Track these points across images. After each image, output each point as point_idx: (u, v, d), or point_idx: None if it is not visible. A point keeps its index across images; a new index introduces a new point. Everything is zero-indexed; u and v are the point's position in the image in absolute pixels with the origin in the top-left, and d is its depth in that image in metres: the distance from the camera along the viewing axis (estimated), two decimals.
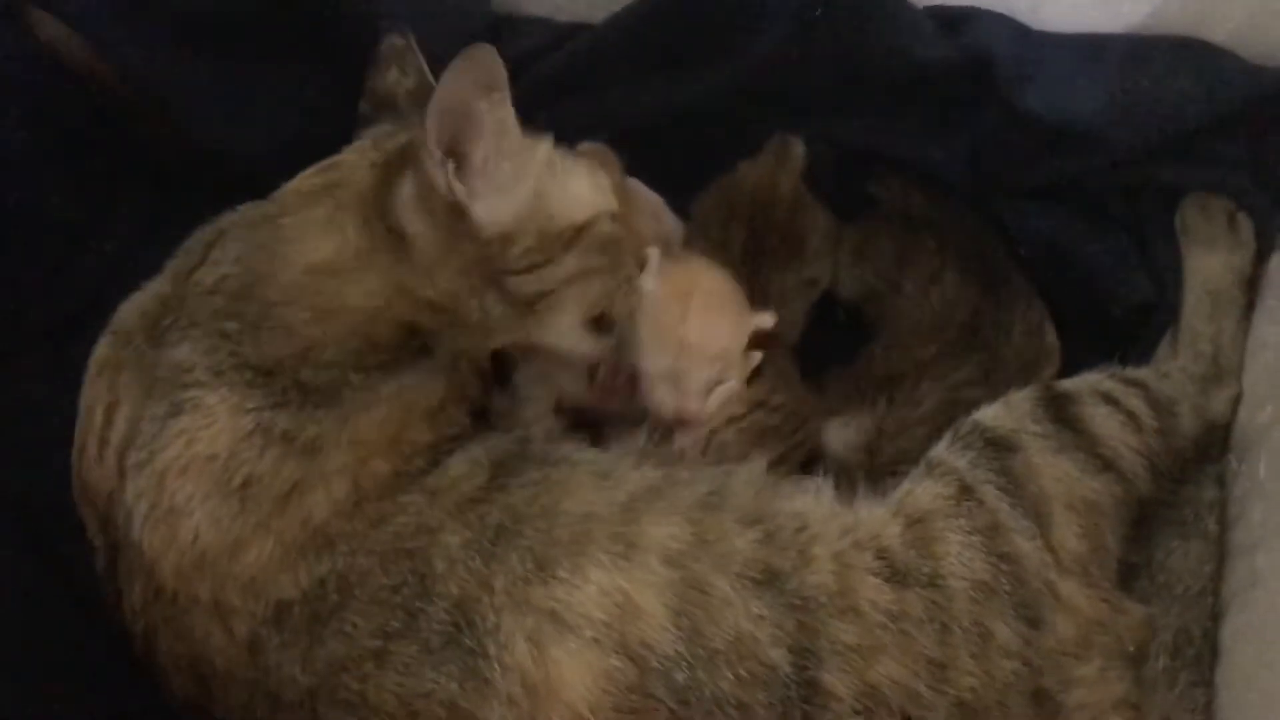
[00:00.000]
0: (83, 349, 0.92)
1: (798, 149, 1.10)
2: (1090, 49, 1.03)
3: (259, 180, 1.01)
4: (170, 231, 1.01)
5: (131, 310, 0.84)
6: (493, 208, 0.82)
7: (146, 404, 0.77)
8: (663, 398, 0.95)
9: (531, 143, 0.85)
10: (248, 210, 0.86)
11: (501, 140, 0.81)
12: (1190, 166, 1.02)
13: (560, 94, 1.09)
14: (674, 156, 1.14)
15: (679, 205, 1.13)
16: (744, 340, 0.98)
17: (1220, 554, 0.90)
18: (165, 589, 0.74)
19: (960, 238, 1.07)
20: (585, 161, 0.90)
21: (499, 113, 0.80)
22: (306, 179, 0.86)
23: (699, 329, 0.95)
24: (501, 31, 1.11)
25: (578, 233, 0.86)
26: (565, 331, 0.89)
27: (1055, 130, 1.01)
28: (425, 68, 0.94)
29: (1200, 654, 0.86)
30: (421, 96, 0.92)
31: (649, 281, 0.96)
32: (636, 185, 1.11)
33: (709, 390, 0.95)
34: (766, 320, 0.99)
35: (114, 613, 0.78)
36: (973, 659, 0.75)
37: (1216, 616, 0.88)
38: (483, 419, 0.86)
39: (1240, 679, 0.83)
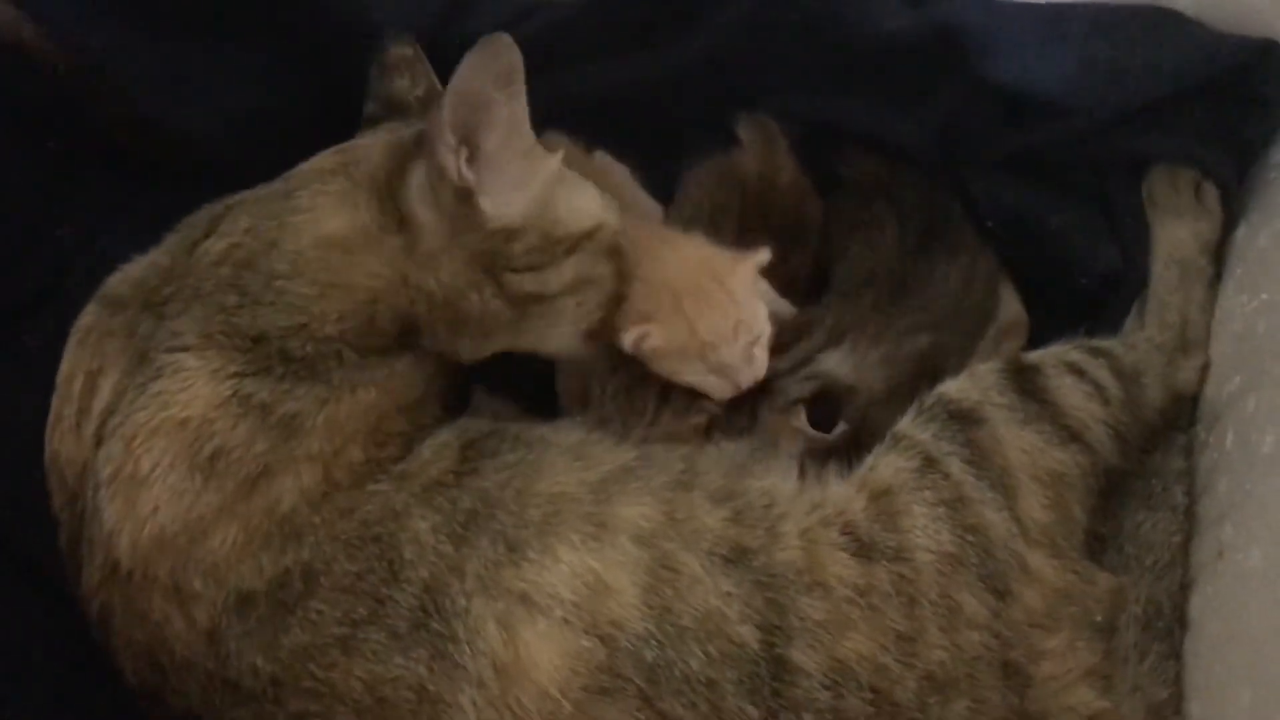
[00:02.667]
0: (39, 336, 0.91)
1: (775, 128, 1.10)
2: (1056, 19, 1.02)
3: (218, 161, 1.01)
4: (128, 216, 1.00)
5: (124, 279, 0.83)
6: (499, 200, 0.82)
7: (134, 373, 0.76)
8: (721, 389, 0.93)
9: (543, 152, 0.86)
10: (258, 189, 0.86)
11: (513, 136, 0.82)
12: (1157, 136, 1.01)
13: (531, 68, 1.08)
14: (641, 132, 1.13)
15: (647, 180, 1.12)
16: (752, 289, 0.94)
17: (1188, 525, 0.90)
18: (122, 566, 0.74)
19: (913, 200, 1.06)
20: (590, 183, 0.90)
21: (514, 106, 0.81)
22: (322, 158, 0.87)
23: (708, 327, 0.91)
24: (463, 8, 1.09)
25: (580, 240, 0.86)
26: (562, 341, 0.90)
27: (1022, 101, 1.01)
28: (434, 77, 0.94)
29: (1170, 626, 0.86)
30: (432, 104, 0.91)
31: (650, 339, 0.92)
32: (604, 159, 1.10)
33: (751, 354, 0.93)
34: (763, 256, 0.95)
35: (72, 591, 0.78)
36: (941, 632, 0.75)
37: (1185, 588, 0.88)
38: (455, 409, 0.87)
39: (1208, 651, 0.83)
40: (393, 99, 0.95)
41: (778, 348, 0.95)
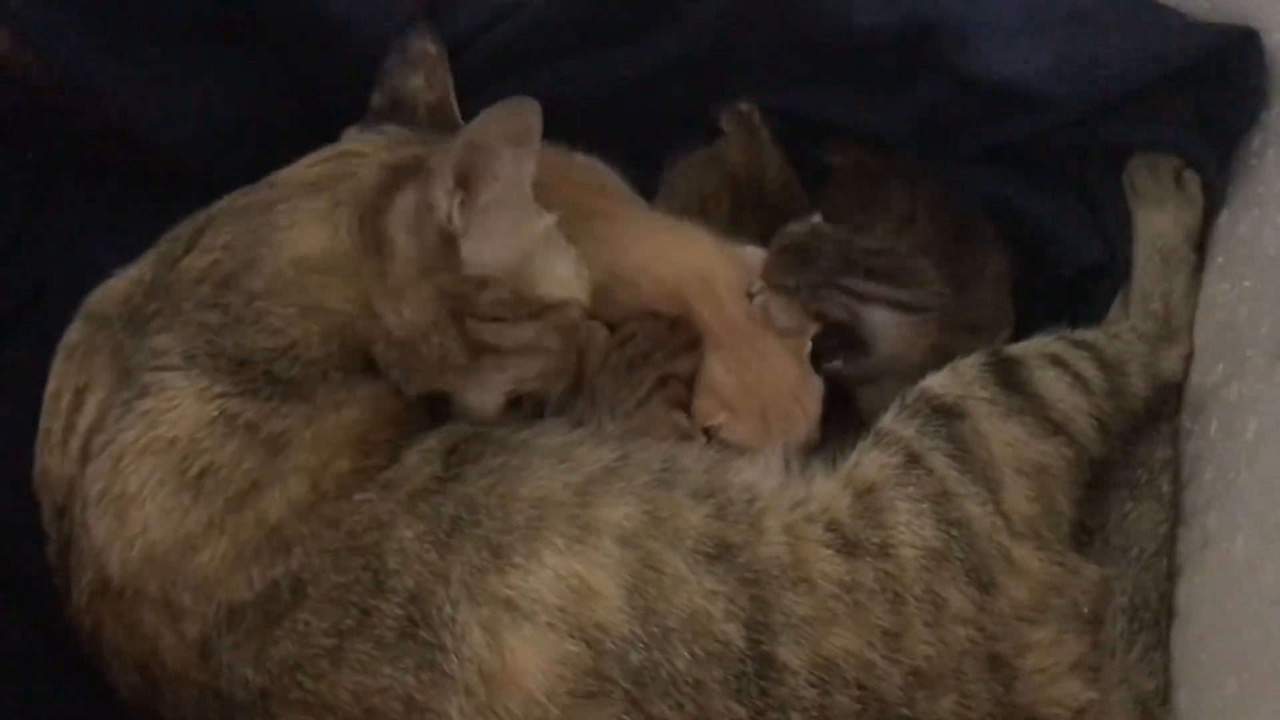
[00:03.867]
0: (19, 350, 0.91)
1: (757, 116, 1.09)
2: (1033, 9, 1.01)
3: (195, 169, 1.01)
4: (108, 226, 1.00)
5: (108, 295, 0.83)
6: (480, 250, 0.82)
7: (119, 391, 0.76)
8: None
9: (539, 212, 0.87)
10: (241, 195, 0.85)
11: (512, 194, 0.82)
12: (1136, 125, 1.01)
13: (504, 70, 1.08)
14: (622, 128, 1.12)
15: (629, 175, 1.12)
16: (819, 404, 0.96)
17: (1174, 514, 0.90)
18: (113, 582, 0.74)
19: (928, 185, 1.05)
20: (576, 252, 0.91)
21: (520, 167, 0.82)
22: (312, 165, 0.86)
23: (785, 438, 0.92)
24: (441, 6, 1.09)
25: (546, 309, 0.87)
26: (489, 392, 0.88)
27: (1000, 93, 1.00)
28: (450, 84, 0.94)
29: (1157, 617, 0.86)
30: (441, 115, 0.93)
31: (726, 430, 0.94)
32: (585, 160, 1.10)
33: None
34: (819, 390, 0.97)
35: (62, 607, 0.78)
36: (927, 627, 0.75)
37: (1172, 577, 0.88)
38: (439, 415, 0.87)
39: (1195, 640, 0.83)
40: (402, 96, 0.93)
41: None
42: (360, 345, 0.81)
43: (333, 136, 1.02)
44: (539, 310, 0.86)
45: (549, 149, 1.05)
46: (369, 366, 0.81)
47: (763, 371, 0.96)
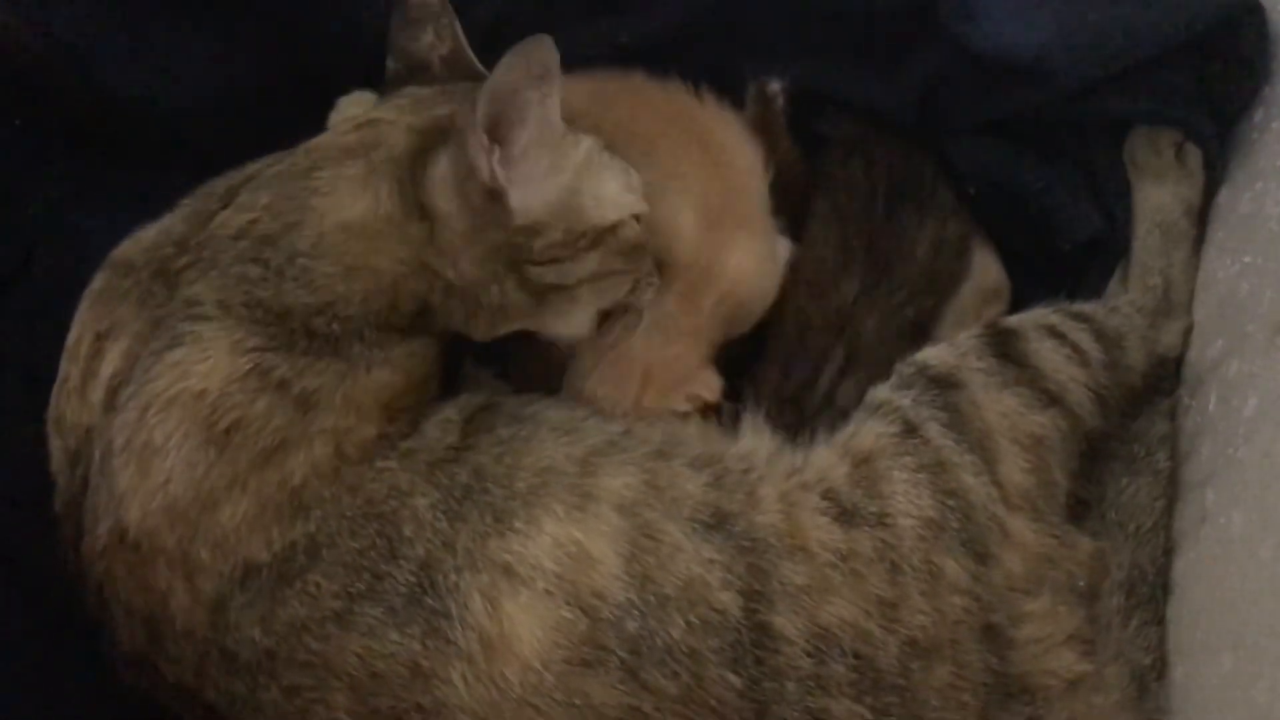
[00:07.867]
0: (8, 321, 0.91)
1: (775, 90, 1.08)
2: None
3: (186, 137, 1.00)
4: (97, 194, 0.99)
5: (136, 246, 0.82)
6: (527, 197, 0.81)
7: (149, 340, 0.75)
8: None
9: (574, 139, 0.85)
10: (277, 159, 0.84)
11: (544, 132, 0.81)
12: (1137, 98, 1.00)
13: (502, 38, 1.06)
14: None
15: None
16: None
17: (1172, 490, 0.90)
18: (129, 534, 0.73)
19: (886, 162, 1.05)
20: (622, 164, 0.89)
21: (547, 105, 0.80)
22: (342, 133, 0.85)
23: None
24: None
25: (603, 234, 0.85)
26: (575, 323, 0.89)
27: (1001, 65, 0.99)
28: (460, 32, 0.92)
29: (1153, 592, 0.86)
30: (458, 65, 0.91)
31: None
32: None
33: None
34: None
35: (69, 553, 0.77)
36: (923, 597, 0.75)
37: (1168, 553, 0.88)
38: (450, 383, 0.87)
39: (1190, 615, 0.83)
40: (416, 56, 0.91)
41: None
42: (416, 299, 0.81)
43: (326, 104, 1.02)
44: (595, 239, 0.85)
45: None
46: (410, 324, 0.81)
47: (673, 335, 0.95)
